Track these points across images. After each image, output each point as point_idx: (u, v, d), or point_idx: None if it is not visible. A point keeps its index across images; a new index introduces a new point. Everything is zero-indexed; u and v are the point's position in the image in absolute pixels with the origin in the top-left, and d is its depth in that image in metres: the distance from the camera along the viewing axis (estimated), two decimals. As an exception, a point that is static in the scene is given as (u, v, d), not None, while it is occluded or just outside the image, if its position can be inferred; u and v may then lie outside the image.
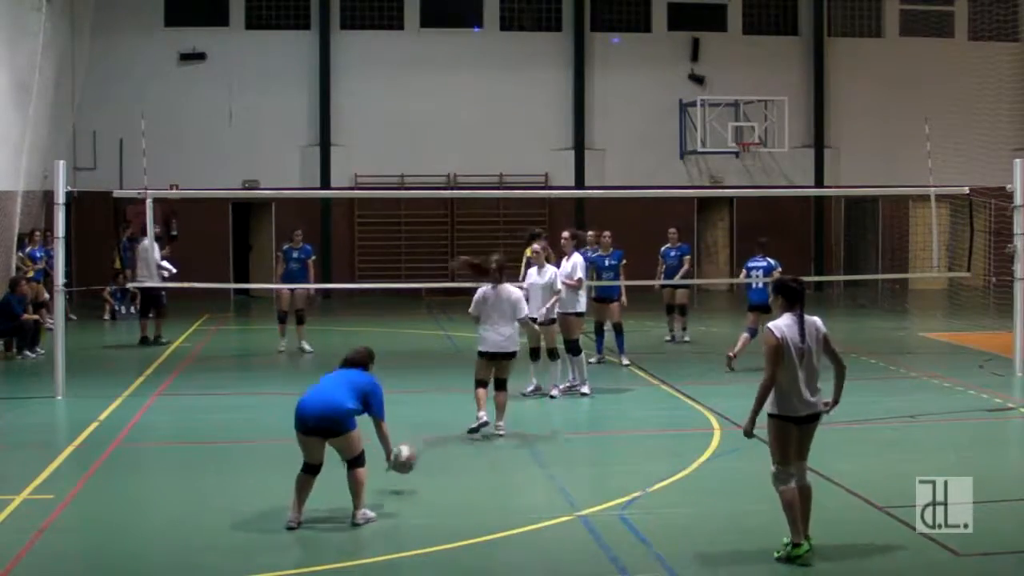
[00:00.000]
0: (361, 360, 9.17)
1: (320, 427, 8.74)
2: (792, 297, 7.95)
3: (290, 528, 8.71)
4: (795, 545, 7.82)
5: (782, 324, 7.92)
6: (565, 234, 14.86)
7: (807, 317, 7.94)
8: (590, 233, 19.67)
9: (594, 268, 16.93)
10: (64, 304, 15.03)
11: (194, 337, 20.74)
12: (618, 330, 16.95)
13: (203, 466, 10.97)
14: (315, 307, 18.99)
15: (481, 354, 12.09)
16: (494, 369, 12.07)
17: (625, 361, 16.92)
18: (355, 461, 8.88)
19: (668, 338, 20.01)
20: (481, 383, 12.10)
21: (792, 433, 7.92)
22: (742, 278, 16.61)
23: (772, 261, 16.57)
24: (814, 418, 8.01)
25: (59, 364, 14.31)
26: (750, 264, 16.61)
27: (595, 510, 9.13)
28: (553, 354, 14.16)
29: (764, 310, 15.75)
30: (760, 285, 16.25)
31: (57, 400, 14.18)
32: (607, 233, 17.40)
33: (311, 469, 8.86)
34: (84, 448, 11.61)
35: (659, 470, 10.35)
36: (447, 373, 15.61)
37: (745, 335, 16.18)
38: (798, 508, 7.85)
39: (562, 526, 8.79)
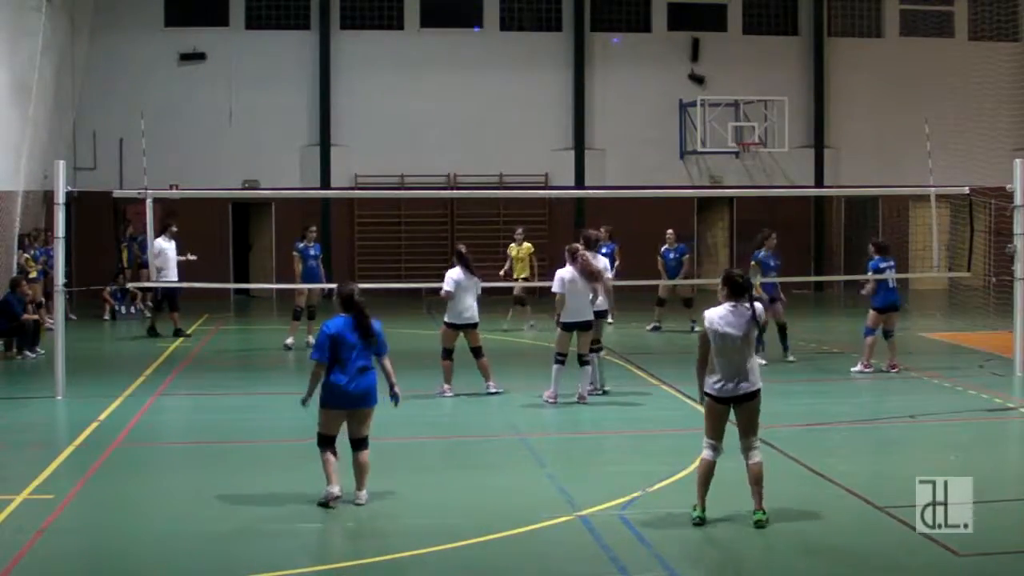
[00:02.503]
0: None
1: (359, 404, 9.43)
2: (737, 290, 8.69)
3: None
4: (694, 507, 8.69)
5: (714, 312, 8.70)
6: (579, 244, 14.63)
7: (755, 304, 8.69)
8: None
9: (760, 267, 17.21)
10: (64, 304, 15.03)
11: (194, 337, 20.72)
12: (781, 329, 17.12)
13: (203, 466, 10.96)
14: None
15: (455, 326, 14.34)
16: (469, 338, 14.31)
17: (791, 358, 17.05)
18: (366, 441, 9.46)
19: (652, 327, 20.79)
20: (449, 353, 14.38)
21: (719, 411, 8.71)
22: (873, 278, 16.02)
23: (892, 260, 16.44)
24: (747, 398, 8.66)
25: (59, 364, 14.31)
26: (881, 264, 16.04)
27: (595, 510, 9.13)
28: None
29: (896, 309, 16.13)
30: (893, 284, 16.15)
31: (57, 400, 14.17)
32: (774, 234, 17.66)
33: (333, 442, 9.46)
34: (84, 448, 11.60)
35: (659, 470, 10.35)
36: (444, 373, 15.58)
37: (872, 338, 16.06)
38: (705, 480, 8.69)
39: (562, 526, 8.79)
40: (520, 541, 8.49)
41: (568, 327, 13.76)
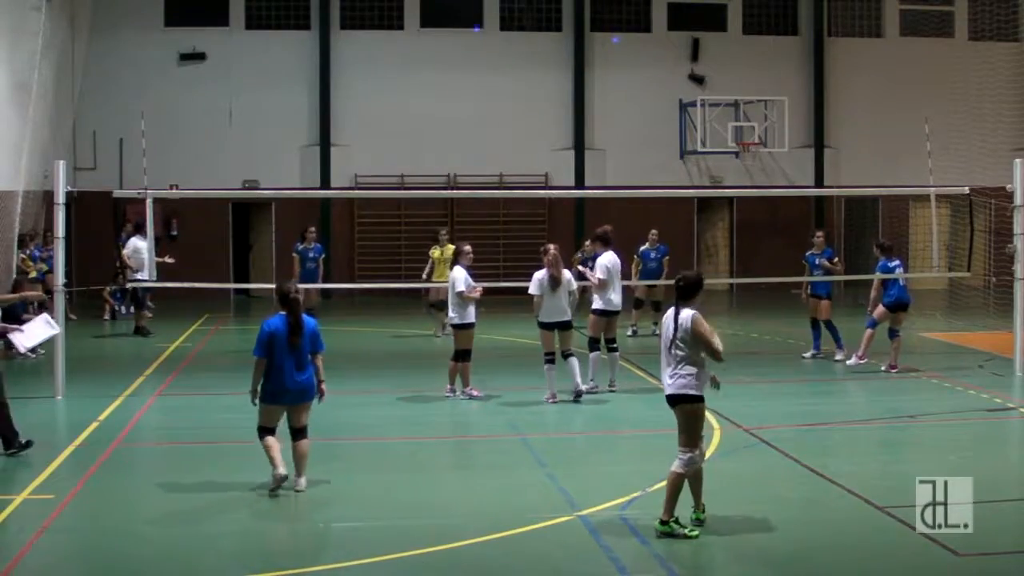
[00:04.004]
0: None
1: (297, 400, 9.78)
2: (676, 292, 8.78)
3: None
4: (693, 508, 8.67)
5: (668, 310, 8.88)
6: (587, 244, 14.99)
7: (681, 311, 8.58)
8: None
9: (807, 266, 17.46)
10: (64, 304, 15.02)
11: (194, 337, 20.74)
12: (828, 326, 17.21)
13: (203, 466, 10.94)
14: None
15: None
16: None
17: (838, 356, 16.98)
18: (305, 430, 9.84)
19: (630, 332, 20.35)
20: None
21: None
22: (880, 276, 16.09)
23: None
24: (672, 400, 8.60)
25: (59, 364, 14.31)
26: (890, 264, 16.08)
27: (595, 510, 9.13)
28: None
29: (905, 308, 16.20)
30: (903, 283, 16.20)
31: (57, 400, 14.18)
32: (819, 233, 17.94)
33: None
34: (84, 448, 11.61)
35: (659, 470, 10.28)
36: (447, 373, 15.59)
37: (872, 331, 16.09)
38: (693, 484, 8.67)
39: (562, 526, 8.79)
40: (520, 541, 8.50)
41: (547, 326, 13.98)
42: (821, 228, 18.88)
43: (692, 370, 8.49)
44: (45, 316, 12.43)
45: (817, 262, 17.33)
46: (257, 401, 9.76)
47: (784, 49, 30.49)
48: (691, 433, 8.53)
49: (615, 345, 14.77)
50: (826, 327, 17.24)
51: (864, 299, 26.91)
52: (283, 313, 9.72)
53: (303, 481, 9.71)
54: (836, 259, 17.40)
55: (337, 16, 29.01)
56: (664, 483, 9.90)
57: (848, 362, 16.12)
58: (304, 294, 18.49)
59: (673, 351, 8.52)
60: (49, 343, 13.93)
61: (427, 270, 20.37)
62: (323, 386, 9.94)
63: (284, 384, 9.63)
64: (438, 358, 16.35)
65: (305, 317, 9.81)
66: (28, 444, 11.09)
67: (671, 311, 8.69)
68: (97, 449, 11.51)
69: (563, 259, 14.43)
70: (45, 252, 20.57)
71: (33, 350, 17.88)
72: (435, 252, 20.26)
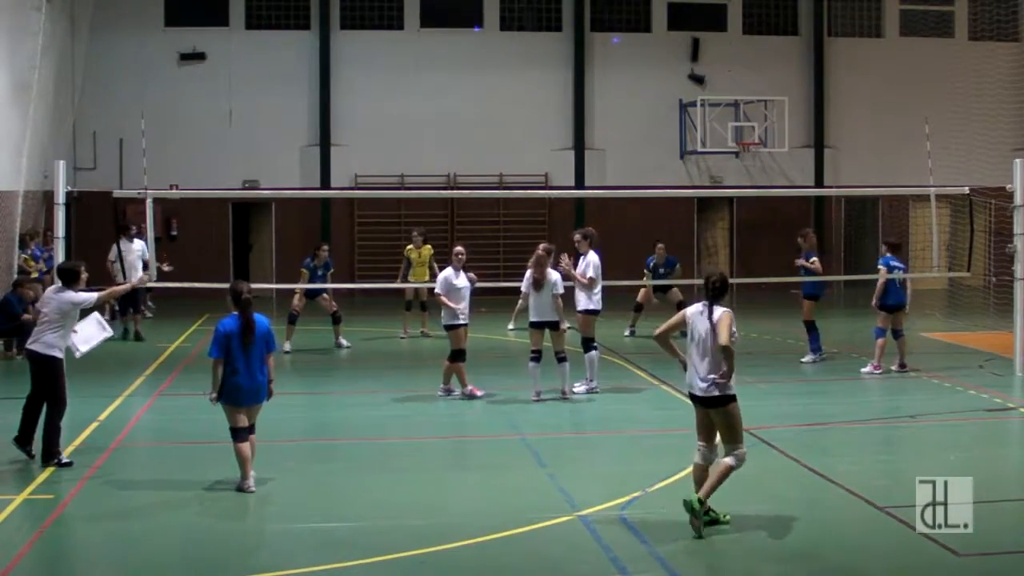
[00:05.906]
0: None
1: (252, 401, 9.96)
2: (706, 291, 8.91)
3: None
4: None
5: (691, 307, 9.01)
6: (576, 236, 14.93)
7: (716, 308, 8.74)
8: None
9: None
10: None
11: (194, 337, 20.72)
12: (806, 326, 17.25)
13: (203, 466, 10.94)
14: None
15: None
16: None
17: (804, 359, 17.08)
18: (252, 427, 10.01)
19: (628, 333, 20.35)
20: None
21: (696, 409, 8.96)
22: (884, 276, 15.96)
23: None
24: (712, 402, 8.76)
25: (59, 364, 14.26)
26: (892, 263, 16.06)
27: (595, 510, 9.14)
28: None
29: (903, 308, 16.18)
30: (899, 284, 16.18)
31: (57, 400, 14.15)
32: (801, 232, 18.24)
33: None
34: (84, 448, 11.61)
35: (659, 470, 10.35)
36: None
37: (883, 339, 16.03)
38: (698, 482, 8.78)
39: (562, 526, 8.79)
40: (520, 541, 8.50)
41: (536, 325, 14.10)
42: (804, 229, 18.75)
43: (724, 370, 8.68)
44: (96, 316, 12.29)
45: (798, 263, 17.39)
46: (215, 401, 9.88)
47: (784, 49, 30.46)
48: (736, 430, 8.79)
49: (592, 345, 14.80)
50: (806, 326, 17.23)
51: (863, 299, 26.89)
52: (236, 313, 9.82)
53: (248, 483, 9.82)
54: (813, 259, 17.40)
55: (337, 16, 28.99)
56: (664, 482, 9.96)
57: (863, 370, 16.07)
58: (304, 298, 18.75)
59: (708, 350, 8.69)
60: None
61: (403, 270, 20.30)
62: (272, 386, 10.04)
63: (240, 385, 9.76)
64: (437, 358, 16.34)
65: (259, 317, 9.90)
66: (69, 464, 10.84)
67: (699, 309, 8.82)
68: (97, 449, 11.53)
69: (563, 258, 14.42)
70: (45, 252, 20.57)
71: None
72: (412, 253, 20.18)
